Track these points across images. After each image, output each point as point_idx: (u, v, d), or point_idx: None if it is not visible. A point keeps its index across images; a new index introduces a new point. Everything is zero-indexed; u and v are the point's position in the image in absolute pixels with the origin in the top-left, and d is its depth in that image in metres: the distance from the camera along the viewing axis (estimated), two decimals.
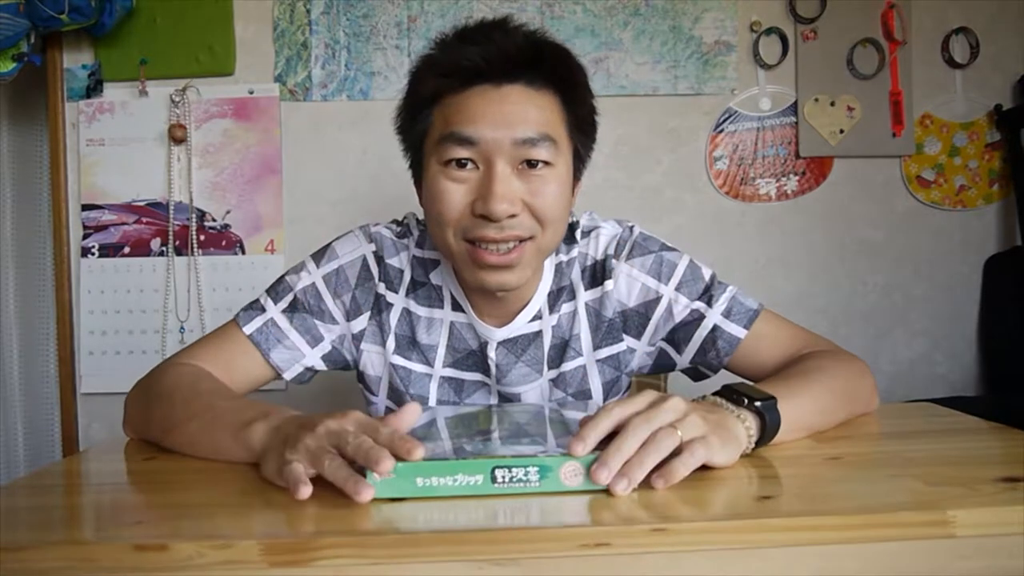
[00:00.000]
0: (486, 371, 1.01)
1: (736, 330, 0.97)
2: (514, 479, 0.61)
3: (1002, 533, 0.55)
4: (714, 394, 0.76)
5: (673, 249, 1.03)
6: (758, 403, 0.72)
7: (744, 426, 0.70)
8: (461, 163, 0.87)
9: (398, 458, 0.61)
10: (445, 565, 0.53)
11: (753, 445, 0.71)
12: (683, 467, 0.63)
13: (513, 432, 0.72)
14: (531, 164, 0.87)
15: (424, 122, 0.91)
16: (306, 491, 0.61)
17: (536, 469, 0.61)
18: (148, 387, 0.92)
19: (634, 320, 1.01)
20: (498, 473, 0.61)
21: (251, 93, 1.84)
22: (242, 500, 0.66)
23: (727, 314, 0.98)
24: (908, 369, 1.90)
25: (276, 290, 1.01)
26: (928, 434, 0.82)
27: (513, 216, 0.87)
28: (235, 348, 0.97)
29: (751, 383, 0.81)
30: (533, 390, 1.02)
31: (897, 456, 0.73)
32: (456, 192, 0.88)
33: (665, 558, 0.54)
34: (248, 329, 0.98)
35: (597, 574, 0.54)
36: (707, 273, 1.01)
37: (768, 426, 0.72)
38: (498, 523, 0.56)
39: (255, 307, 1.00)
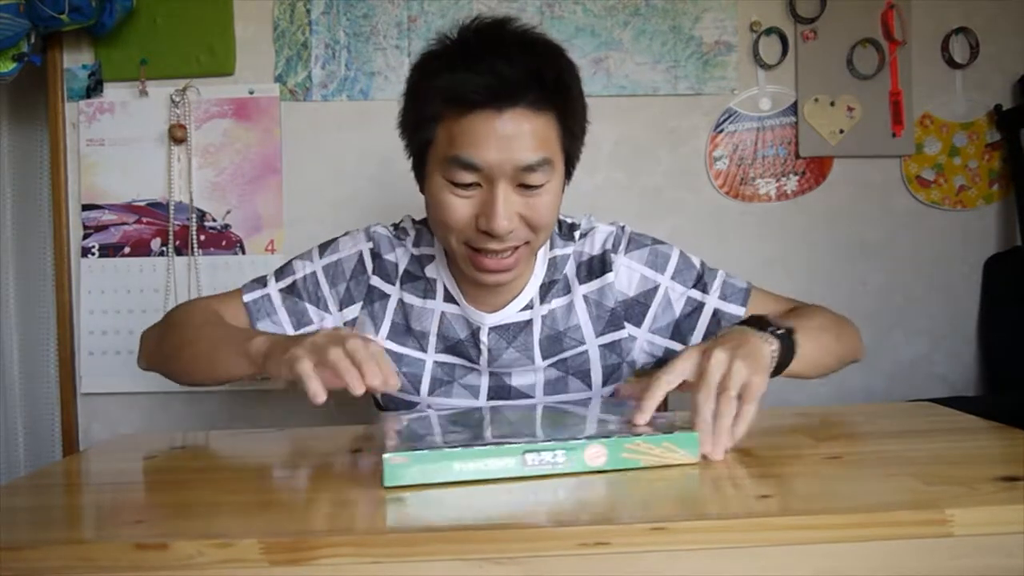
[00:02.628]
0: (476, 358, 1.08)
1: (735, 309, 1.08)
2: (543, 462, 0.64)
3: (1000, 532, 0.55)
4: (740, 323, 0.87)
5: (663, 242, 1.13)
6: (779, 331, 0.84)
7: (770, 348, 0.81)
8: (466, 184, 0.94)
9: (429, 446, 0.65)
10: (445, 564, 0.53)
11: (773, 367, 0.81)
12: (748, 417, 0.74)
13: (505, 432, 0.73)
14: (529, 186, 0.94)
15: (427, 133, 0.96)
16: (321, 395, 0.73)
17: (563, 452, 0.64)
18: (162, 321, 1.10)
19: (634, 309, 1.09)
20: (528, 457, 0.63)
21: (251, 93, 1.84)
22: (242, 499, 0.66)
23: (724, 297, 1.08)
24: (908, 369, 1.90)
25: (283, 271, 1.13)
26: (927, 433, 0.82)
27: (511, 230, 0.95)
28: (233, 310, 1.10)
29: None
30: (527, 372, 1.08)
31: (896, 455, 0.73)
32: (461, 207, 0.95)
33: (664, 557, 0.54)
34: (247, 298, 1.10)
35: (596, 573, 0.54)
36: (697, 261, 1.12)
37: (785, 351, 0.83)
38: (498, 522, 0.56)
39: (259, 281, 1.13)
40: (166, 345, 1.04)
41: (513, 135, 0.91)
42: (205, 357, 0.95)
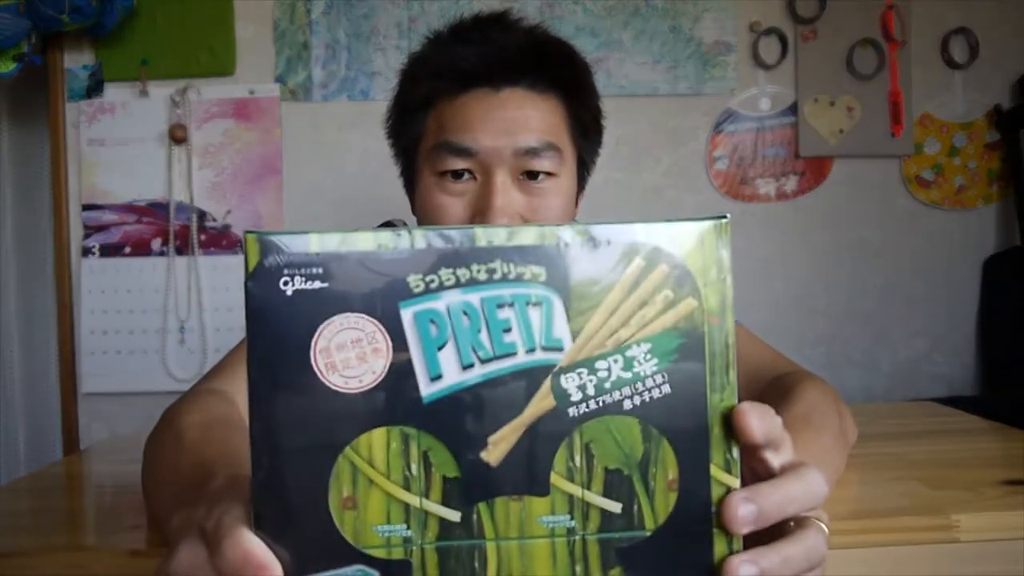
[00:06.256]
0: None
1: None
2: None
3: (1006, 538, 0.55)
4: None
5: None
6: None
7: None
8: (457, 174, 0.79)
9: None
10: None
11: None
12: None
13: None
14: (532, 175, 0.80)
15: (416, 127, 0.84)
16: None
17: None
18: (155, 429, 0.70)
19: None
20: None
21: (251, 93, 1.83)
22: None
23: None
24: (908, 369, 1.90)
25: None
26: (930, 435, 0.82)
27: None
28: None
29: None
30: None
31: (899, 458, 0.72)
32: (452, 207, 0.80)
33: None
34: None
35: None
36: None
37: None
38: None
39: None
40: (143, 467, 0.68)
41: (512, 117, 0.78)
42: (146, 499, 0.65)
